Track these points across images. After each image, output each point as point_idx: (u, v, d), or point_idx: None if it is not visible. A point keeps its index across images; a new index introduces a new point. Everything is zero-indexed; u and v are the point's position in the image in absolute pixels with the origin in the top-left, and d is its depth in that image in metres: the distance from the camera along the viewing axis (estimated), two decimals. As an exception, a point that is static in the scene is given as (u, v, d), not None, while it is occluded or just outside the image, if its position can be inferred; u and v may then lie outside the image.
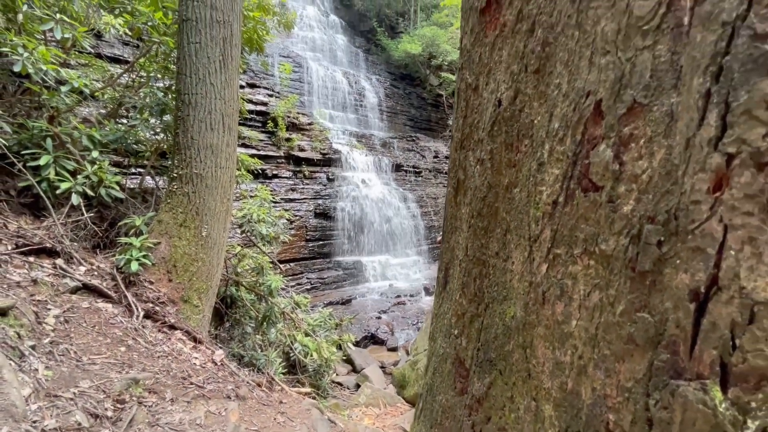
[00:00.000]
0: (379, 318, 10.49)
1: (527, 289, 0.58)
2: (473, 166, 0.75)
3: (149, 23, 4.92)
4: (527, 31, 0.62)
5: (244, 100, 11.19)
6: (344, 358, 7.55)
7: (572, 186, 0.52)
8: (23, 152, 3.95)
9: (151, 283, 3.96)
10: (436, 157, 18.41)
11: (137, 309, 3.62)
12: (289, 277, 11.08)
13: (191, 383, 3.16)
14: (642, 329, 0.42)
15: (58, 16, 4.01)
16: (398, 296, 12.15)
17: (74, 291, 3.51)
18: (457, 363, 0.76)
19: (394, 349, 9.09)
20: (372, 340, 9.44)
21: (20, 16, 3.94)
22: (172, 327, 3.79)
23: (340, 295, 11.78)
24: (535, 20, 0.60)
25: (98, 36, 8.53)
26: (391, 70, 21.61)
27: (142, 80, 5.56)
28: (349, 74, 18.69)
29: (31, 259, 3.50)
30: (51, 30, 4.03)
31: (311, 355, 5.52)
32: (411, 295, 12.30)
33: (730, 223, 0.35)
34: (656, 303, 0.41)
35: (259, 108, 12.18)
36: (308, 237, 12.31)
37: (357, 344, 8.37)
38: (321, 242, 12.65)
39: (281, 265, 9.76)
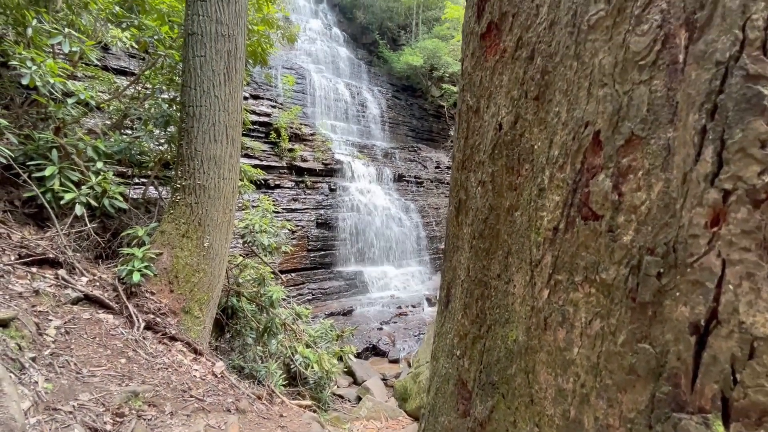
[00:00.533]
0: (381, 329, 10.42)
1: (529, 313, 0.58)
2: (475, 187, 0.76)
3: (155, 37, 5.01)
4: (527, 58, 0.63)
5: (247, 111, 11.30)
6: (345, 370, 7.48)
7: (572, 213, 0.52)
8: (29, 163, 3.99)
9: (153, 293, 3.96)
10: (437, 167, 18.48)
11: (138, 320, 3.61)
12: (291, 288, 11.05)
13: (191, 396, 3.13)
14: (643, 360, 0.42)
15: (66, 30, 4.09)
16: (400, 307, 12.08)
17: (76, 302, 3.51)
18: (460, 384, 0.76)
19: (395, 361, 9.01)
20: (373, 351, 9.36)
21: (30, 31, 4.01)
22: (173, 338, 3.77)
23: (342, 306, 11.72)
24: (535, 48, 0.62)
25: (105, 49, 8.68)
26: (392, 81, 21.82)
27: (148, 92, 5.64)
28: (351, 86, 18.88)
29: (34, 269, 3.51)
30: (59, 44, 4.11)
31: (312, 367, 5.47)
32: (413, 306, 12.23)
33: (728, 258, 0.36)
34: (657, 334, 0.41)
35: (262, 119, 12.29)
36: (310, 247, 12.31)
37: (358, 356, 8.31)
38: (322, 252, 12.64)
39: (283, 276, 9.75)
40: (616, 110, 0.47)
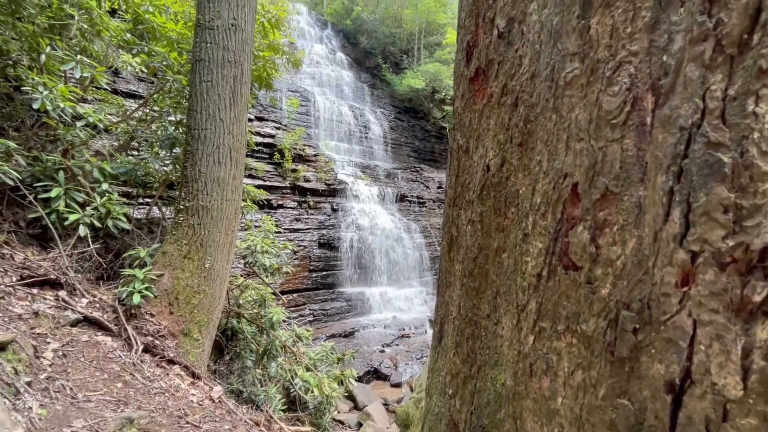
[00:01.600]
0: (383, 352, 10.25)
1: (516, 357, 0.59)
2: (465, 225, 0.77)
3: (164, 63, 5.16)
4: (511, 104, 0.66)
5: (252, 132, 11.49)
6: (346, 394, 7.32)
7: (554, 262, 0.53)
8: (36, 184, 4.06)
9: (152, 315, 3.94)
10: (439, 187, 18.57)
11: (137, 343, 3.59)
12: (292, 309, 10.96)
13: (187, 422, 3.08)
14: (623, 416, 0.42)
15: (78, 57, 4.23)
16: (402, 329, 11.92)
17: (75, 324, 3.50)
18: (452, 425, 0.75)
19: (397, 385, 8.82)
20: (375, 375, 9.19)
21: (43, 57, 4.16)
22: (171, 361, 3.73)
23: (343, 328, 11.58)
24: (518, 96, 0.64)
25: (115, 73, 8.93)
26: (395, 103, 22.21)
27: (155, 114, 5.76)
28: (354, 108, 19.22)
29: (35, 291, 3.52)
30: (72, 69, 4.24)
31: (312, 392, 5.37)
32: (415, 328, 12.06)
33: (699, 319, 0.36)
34: (635, 390, 0.42)
35: (266, 140, 12.49)
36: (312, 267, 12.27)
37: (359, 379, 8.15)
38: (324, 273, 12.58)
39: (284, 296, 9.68)
40: (592, 165, 0.49)
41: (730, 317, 0.34)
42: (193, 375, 3.77)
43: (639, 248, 0.43)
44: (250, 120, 12.55)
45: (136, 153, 6.07)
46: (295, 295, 11.66)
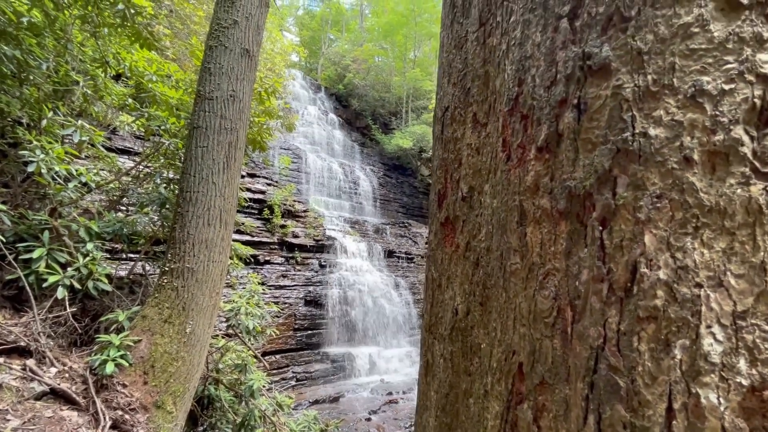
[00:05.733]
0: (369, 420, 9.63)
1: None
2: (438, 357, 0.79)
3: (162, 127, 5.36)
4: (474, 263, 0.72)
5: (243, 189, 11.64)
6: (328, 470, 6.74)
7: (508, 430, 0.57)
8: (18, 245, 3.98)
9: (125, 386, 3.71)
10: (427, 243, 18.67)
11: (104, 418, 3.33)
12: (274, 371, 10.40)
13: None
14: None
15: (79, 122, 4.37)
16: (390, 393, 11.31)
17: (40, 397, 3.27)
18: None
19: (384, 459, 8.19)
20: (360, 446, 8.55)
21: (44, 122, 4.29)
22: (140, 439, 3.46)
23: (328, 392, 10.95)
24: (479, 259, 0.71)
25: (113, 131, 9.15)
26: (384, 161, 23.01)
27: (149, 170, 5.85)
28: (345, 165, 19.82)
29: (1, 360, 3.32)
30: (71, 134, 4.36)
31: (291, 470, 4.96)
32: (403, 392, 11.47)
33: None
34: None
35: (257, 196, 12.63)
36: (296, 326, 11.86)
37: (343, 452, 7.56)
38: (309, 332, 12.14)
39: (266, 358, 9.21)
40: (532, 351, 0.55)
41: None
42: (163, 454, 3.48)
43: None
44: (242, 176, 12.77)
45: (124, 209, 6.07)
46: (278, 356, 11.12)
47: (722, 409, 0.40)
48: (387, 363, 13.08)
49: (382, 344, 13.72)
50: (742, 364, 0.40)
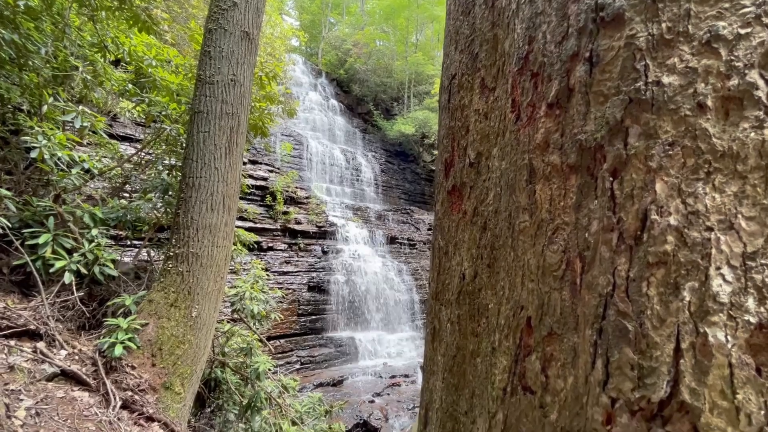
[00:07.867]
0: (373, 402, 9.81)
1: (488, 461, 0.62)
2: (445, 321, 0.82)
3: (163, 112, 5.33)
4: (481, 227, 0.73)
5: (245, 175, 11.63)
6: (333, 450, 6.90)
7: (516, 382, 0.59)
8: (24, 231, 4.01)
9: (133, 368, 3.78)
10: (430, 229, 18.72)
11: (115, 398, 3.41)
12: (279, 355, 10.56)
13: (164, 487, 2.87)
14: None
15: (80, 108, 4.35)
16: (393, 376, 11.50)
17: (51, 378, 3.34)
18: None
19: (387, 439, 8.38)
20: (364, 427, 8.73)
21: (45, 108, 4.27)
22: (150, 418, 3.54)
23: (332, 375, 11.13)
24: (486, 222, 0.72)
25: (114, 118, 9.11)
26: (386, 147, 22.87)
27: (151, 157, 5.85)
28: (346, 151, 19.73)
29: (12, 342, 3.38)
30: (72, 119, 4.35)
31: (297, 449, 5.08)
32: (406, 375, 11.65)
33: None
34: None
35: (259, 183, 12.63)
36: (300, 311, 11.99)
37: (347, 433, 7.72)
38: (313, 317, 12.28)
39: (271, 342, 9.34)
40: (541, 305, 0.57)
41: None
42: (173, 433, 3.56)
43: (576, 385, 0.51)
44: (244, 163, 12.74)
45: (128, 196, 6.08)
46: (282, 340, 11.28)
47: (730, 346, 0.41)
48: (390, 347, 13.25)
49: (385, 329, 13.88)
50: (751, 303, 0.41)
